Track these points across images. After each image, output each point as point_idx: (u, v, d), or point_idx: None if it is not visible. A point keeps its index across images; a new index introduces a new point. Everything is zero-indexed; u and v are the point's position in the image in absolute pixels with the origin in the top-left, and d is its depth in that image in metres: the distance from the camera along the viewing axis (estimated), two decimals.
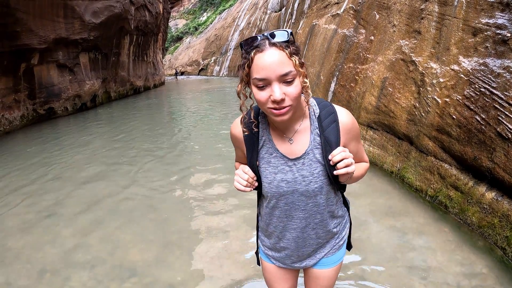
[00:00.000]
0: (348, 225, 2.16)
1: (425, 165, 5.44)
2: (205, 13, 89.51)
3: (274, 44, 1.52)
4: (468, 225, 4.52)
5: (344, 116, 1.76)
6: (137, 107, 20.19)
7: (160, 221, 5.38)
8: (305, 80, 1.59)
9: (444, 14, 5.44)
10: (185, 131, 12.31)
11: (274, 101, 1.53)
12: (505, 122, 4.16)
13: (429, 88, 5.45)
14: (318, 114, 1.76)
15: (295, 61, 1.52)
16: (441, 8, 5.53)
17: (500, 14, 4.56)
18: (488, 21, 4.66)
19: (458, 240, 4.33)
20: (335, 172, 1.65)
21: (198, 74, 63.14)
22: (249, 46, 1.57)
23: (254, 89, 1.58)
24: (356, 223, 4.61)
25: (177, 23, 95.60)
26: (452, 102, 4.97)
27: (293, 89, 1.54)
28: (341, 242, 2.09)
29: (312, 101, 1.79)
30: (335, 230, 2.01)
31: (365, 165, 2.00)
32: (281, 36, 1.54)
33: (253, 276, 3.90)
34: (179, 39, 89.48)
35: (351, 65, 8.05)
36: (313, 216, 1.88)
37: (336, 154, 1.62)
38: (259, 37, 1.55)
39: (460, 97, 4.85)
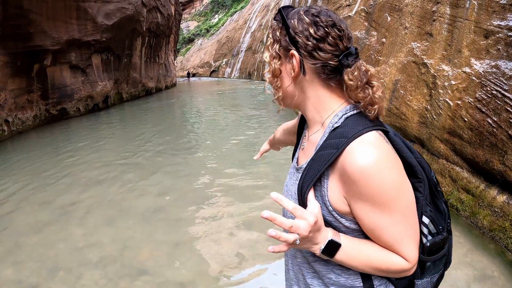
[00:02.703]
0: None
1: (436, 168, 5.41)
2: (216, 15, 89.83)
3: None
4: (479, 228, 4.49)
5: (356, 155, 1.11)
6: (149, 109, 20.30)
7: (171, 221, 5.42)
8: (269, 68, 1.35)
9: (456, 16, 5.41)
10: (197, 133, 12.37)
11: None
12: None
13: (441, 91, 5.42)
14: (335, 127, 1.22)
15: (267, 43, 1.36)
16: (453, 10, 5.50)
17: None
18: (500, 23, 4.63)
19: (469, 243, 4.30)
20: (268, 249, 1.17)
21: (210, 76, 63.34)
22: None
23: None
24: None
25: (188, 25, 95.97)
26: (464, 105, 4.94)
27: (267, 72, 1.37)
28: None
29: (344, 109, 1.25)
30: None
31: (389, 259, 1.19)
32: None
33: (263, 278, 3.91)
34: (190, 41, 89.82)
35: None
36: (294, 252, 1.45)
37: (264, 211, 1.13)
38: None
39: (471, 99, 4.82)
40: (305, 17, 1.21)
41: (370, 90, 1.21)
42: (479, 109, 4.67)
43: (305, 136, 1.45)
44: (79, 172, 8.06)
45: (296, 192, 1.28)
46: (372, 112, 1.21)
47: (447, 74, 5.37)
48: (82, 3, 16.04)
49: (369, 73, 1.22)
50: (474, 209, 4.62)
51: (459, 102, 5.04)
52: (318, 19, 1.20)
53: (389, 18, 7.37)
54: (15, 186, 7.28)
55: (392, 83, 6.67)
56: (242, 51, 53.16)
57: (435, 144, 5.45)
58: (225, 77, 56.90)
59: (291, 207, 1.09)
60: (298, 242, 1.11)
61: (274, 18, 1.31)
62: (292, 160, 1.53)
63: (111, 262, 4.38)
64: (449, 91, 5.26)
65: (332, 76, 1.23)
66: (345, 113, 1.23)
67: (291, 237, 1.08)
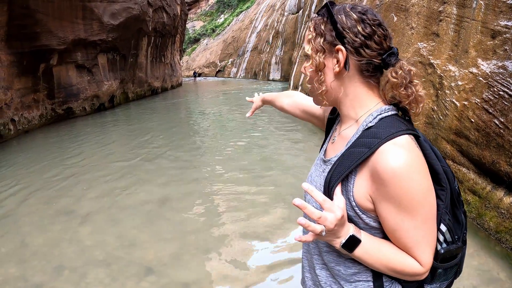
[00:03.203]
0: None
1: None
2: (222, 15, 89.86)
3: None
4: (486, 230, 4.46)
5: (388, 157, 1.13)
6: (154, 108, 20.34)
7: (177, 221, 5.42)
8: (310, 62, 1.31)
9: (463, 16, 5.38)
10: (202, 134, 12.38)
11: None
12: None
13: (447, 91, 5.39)
14: (368, 126, 1.24)
15: (308, 37, 1.32)
16: (460, 10, 5.47)
17: None
18: (507, 23, 4.60)
19: (475, 245, 4.27)
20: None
21: (215, 76, 63.40)
22: None
23: None
24: None
25: (194, 25, 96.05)
26: (471, 105, 4.90)
27: (305, 67, 1.35)
28: None
29: (379, 110, 1.27)
30: None
31: (405, 261, 1.20)
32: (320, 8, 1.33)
33: (268, 279, 3.89)
34: (196, 40, 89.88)
35: None
36: (312, 245, 1.47)
37: (296, 198, 1.09)
38: None
39: (478, 100, 4.79)
40: (353, 14, 1.23)
41: (414, 88, 1.25)
42: (486, 110, 4.64)
43: (335, 130, 1.48)
44: (85, 171, 8.08)
45: (322, 184, 1.31)
46: (417, 109, 1.27)
47: (453, 74, 5.34)
48: (88, 3, 16.09)
49: (412, 72, 1.26)
50: (481, 211, 4.59)
51: (465, 102, 5.00)
52: (365, 17, 1.22)
53: (395, 18, 7.33)
54: (21, 185, 7.30)
55: None
56: (247, 51, 53.20)
57: (441, 145, 5.42)
58: (230, 77, 56.94)
59: (321, 199, 1.09)
60: (324, 233, 1.13)
61: (318, 12, 1.30)
62: (320, 150, 1.55)
63: (116, 261, 4.38)
64: (455, 91, 5.23)
65: (373, 74, 1.27)
66: (380, 114, 1.26)
67: (318, 228, 1.10)
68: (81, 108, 17.21)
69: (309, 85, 1.38)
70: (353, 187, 1.21)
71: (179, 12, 32.83)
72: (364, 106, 1.30)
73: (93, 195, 6.54)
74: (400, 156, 1.11)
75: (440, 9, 5.91)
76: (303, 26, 21.67)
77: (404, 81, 1.23)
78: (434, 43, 5.94)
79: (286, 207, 5.55)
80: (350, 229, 1.18)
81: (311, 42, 1.29)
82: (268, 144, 9.97)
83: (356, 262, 1.29)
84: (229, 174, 7.38)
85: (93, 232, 5.17)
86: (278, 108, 2.13)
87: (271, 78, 42.50)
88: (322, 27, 1.27)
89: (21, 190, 6.97)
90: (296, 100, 1.96)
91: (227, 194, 6.31)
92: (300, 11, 32.40)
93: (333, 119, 1.56)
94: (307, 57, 1.31)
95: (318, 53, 1.27)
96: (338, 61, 1.24)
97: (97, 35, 17.15)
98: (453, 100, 5.24)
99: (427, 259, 1.19)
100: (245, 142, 10.37)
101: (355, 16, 1.22)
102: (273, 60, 42.82)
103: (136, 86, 24.71)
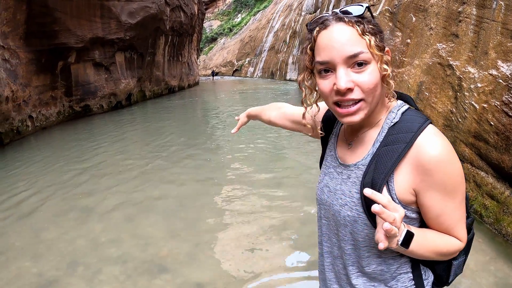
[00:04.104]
0: None
1: None
2: (239, 15, 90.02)
3: (341, 19, 1.18)
4: (503, 235, 4.36)
5: (428, 147, 1.14)
6: (171, 107, 20.44)
7: (192, 220, 5.42)
8: (385, 67, 1.17)
9: (482, 17, 5.27)
10: (219, 134, 12.39)
11: (338, 92, 1.16)
12: None
13: (466, 93, 5.29)
14: (394, 123, 1.24)
15: (369, 41, 1.14)
16: (479, 11, 5.37)
17: None
18: None
19: (492, 251, 4.18)
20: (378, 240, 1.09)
21: (232, 75, 63.52)
22: (313, 24, 1.23)
23: (317, 78, 1.24)
24: None
25: (211, 24, 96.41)
26: (490, 108, 4.81)
27: (366, 76, 1.15)
28: None
29: (397, 106, 1.28)
30: None
31: (449, 242, 1.23)
32: (353, 11, 1.19)
33: (282, 281, 3.85)
34: (213, 40, 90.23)
35: None
36: (341, 251, 1.40)
37: (374, 205, 1.01)
38: (327, 15, 1.22)
39: (498, 103, 4.69)
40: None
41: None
42: (505, 112, 4.54)
43: (338, 136, 1.46)
44: (101, 168, 8.14)
45: (352, 189, 1.28)
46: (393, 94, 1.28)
47: (473, 76, 5.24)
48: (106, 1, 16.24)
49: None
50: (499, 216, 4.50)
51: (485, 105, 4.91)
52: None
53: (414, 19, 7.24)
54: (37, 182, 7.38)
55: (417, 85, 6.55)
56: (265, 50, 53.19)
57: (460, 148, 5.32)
58: (247, 77, 57.01)
59: (386, 201, 1.03)
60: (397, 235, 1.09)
61: (363, 14, 1.20)
62: (325, 161, 1.50)
63: (130, 258, 4.39)
64: (475, 93, 5.13)
65: None
66: (399, 109, 1.26)
67: (395, 230, 1.03)
68: (98, 106, 17.37)
69: (367, 98, 1.19)
70: (394, 184, 1.20)
71: (196, 11, 32.95)
72: (384, 105, 1.28)
73: (109, 193, 6.57)
74: (439, 144, 1.15)
75: (459, 9, 5.81)
76: None
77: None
78: (453, 44, 5.84)
79: (305, 210, 5.50)
80: (402, 226, 1.13)
81: (370, 44, 1.15)
82: (287, 145, 9.92)
83: (396, 257, 1.29)
84: (246, 175, 7.36)
85: (108, 229, 5.20)
86: (265, 122, 2.05)
87: (288, 78, 42.41)
88: (373, 26, 1.19)
89: (37, 187, 7.04)
90: (285, 111, 1.90)
91: (244, 195, 6.28)
92: (318, 11, 32.28)
93: (331, 123, 1.53)
94: (365, 64, 1.16)
95: (383, 52, 1.19)
96: (387, 63, 1.19)
97: (115, 34, 17.29)
98: (472, 102, 5.14)
99: (464, 234, 1.25)
100: (263, 143, 10.30)
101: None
102: (290, 60, 42.73)
103: (153, 84, 24.87)
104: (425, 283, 1.34)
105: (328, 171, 1.43)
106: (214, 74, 61.77)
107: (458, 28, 5.77)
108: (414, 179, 1.17)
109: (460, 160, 5.05)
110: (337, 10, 1.21)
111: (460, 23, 5.75)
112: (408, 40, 7.31)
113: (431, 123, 1.22)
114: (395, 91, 1.28)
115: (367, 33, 1.15)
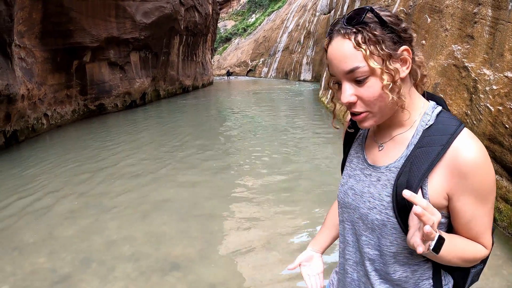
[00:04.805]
0: None
1: None
2: (253, 15, 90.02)
3: (339, 31, 1.14)
4: None
5: (466, 150, 1.12)
6: (185, 106, 20.53)
7: (206, 219, 5.43)
8: (384, 77, 1.11)
9: (498, 18, 5.21)
10: (234, 134, 12.37)
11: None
12: None
13: (481, 96, 5.23)
14: (429, 125, 1.21)
15: (366, 52, 1.09)
16: (495, 12, 5.30)
17: None
18: None
19: (505, 255, 4.12)
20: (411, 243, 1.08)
21: (246, 75, 63.58)
22: (328, 33, 1.20)
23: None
24: None
25: (225, 24, 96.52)
26: (505, 111, 4.74)
27: (365, 91, 1.14)
28: None
29: (430, 107, 1.24)
30: None
31: (475, 249, 1.20)
32: (351, 18, 1.14)
33: (295, 281, 3.84)
34: (227, 40, 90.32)
35: None
36: (363, 257, 1.36)
37: (416, 206, 0.98)
38: (336, 22, 1.18)
39: None
40: (387, 13, 1.16)
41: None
42: None
43: (370, 137, 1.40)
44: (116, 166, 8.21)
45: (380, 193, 1.24)
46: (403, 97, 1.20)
47: (488, 78, 5.18)
48: (121, 1, 16.37)
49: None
50: None
51: (500, 108, 4.84)
52: (390, 13, 1.17)
53: (429, 20, 7.18)
54: (53, 179, 7.46)
55: (432, 87, 6.49)
56: (279, 51, 53.13)
57: None
58: (261, 77, 56.98)
59: (425, 204, 1.00)
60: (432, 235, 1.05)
61: (350, 22, 1.13)
62: (346, 163, 1.47)
63: (144, 256, 4.41)
64: (490, 96, 5.07)
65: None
66: (433, 111, 1.23)
67: (434, 233, 1.01)
68: (113, 105, 17.52)
69: (372, 109, 1.18)
70: (427, 187, 1.17)
71: (210, 11, 33.06)
72: (418, 107, 1.25)
73: (123, 191, 6.61)
74: (475, 147, 1.13)
75: (474, 10, 5.75)
76: None
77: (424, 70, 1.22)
78: (468, 46, 5.78)
79: (321, 214, 5.46)
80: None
81: (373, 55, 1.11)
82: (304, 147, 9.85)
83: (421, 263, 1.26)
84: (260, 177, 7.33)
85: (121, 227, 5.23)
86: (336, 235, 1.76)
87: (302, 78, 42.31)
88: (376, 33, 1.11)
89: (53, 184, 7.12)
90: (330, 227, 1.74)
91: (258, 197, 6.24)
92: (332, 11, 32.15)
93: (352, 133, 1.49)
94: (372, 75, 1.12)
95: (388, 61, 1.12)
96: (406, 63, 1.16)
97: (130, 34, 17.42)
98: (488, 105, 5.08)
99: (490, 241, 1.22)
100: (278, 145, 10.24)
101: (388, 12, 1.15)
102: (304, 61, 42.64)
103: (168, 84, 24.99)
104: None
105: (354, 173, 1.39)
106: (229, 74, 61.81)
107: (474, 29, 5.70)
108: (448, 183, 1.14)
109: None
110: (342, 18, 1.16)
111: (475, 24, 5.69)
112: (423, 41, 7.25)
113: (465, 126, 1.18)
114: (426, 92, 1.29)
115: (364, 43, 1.10)
